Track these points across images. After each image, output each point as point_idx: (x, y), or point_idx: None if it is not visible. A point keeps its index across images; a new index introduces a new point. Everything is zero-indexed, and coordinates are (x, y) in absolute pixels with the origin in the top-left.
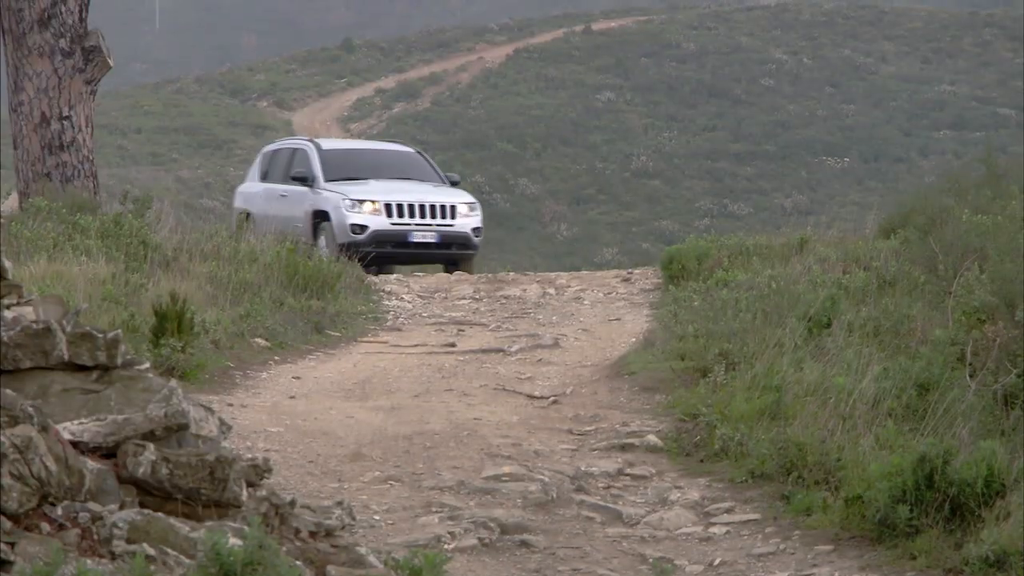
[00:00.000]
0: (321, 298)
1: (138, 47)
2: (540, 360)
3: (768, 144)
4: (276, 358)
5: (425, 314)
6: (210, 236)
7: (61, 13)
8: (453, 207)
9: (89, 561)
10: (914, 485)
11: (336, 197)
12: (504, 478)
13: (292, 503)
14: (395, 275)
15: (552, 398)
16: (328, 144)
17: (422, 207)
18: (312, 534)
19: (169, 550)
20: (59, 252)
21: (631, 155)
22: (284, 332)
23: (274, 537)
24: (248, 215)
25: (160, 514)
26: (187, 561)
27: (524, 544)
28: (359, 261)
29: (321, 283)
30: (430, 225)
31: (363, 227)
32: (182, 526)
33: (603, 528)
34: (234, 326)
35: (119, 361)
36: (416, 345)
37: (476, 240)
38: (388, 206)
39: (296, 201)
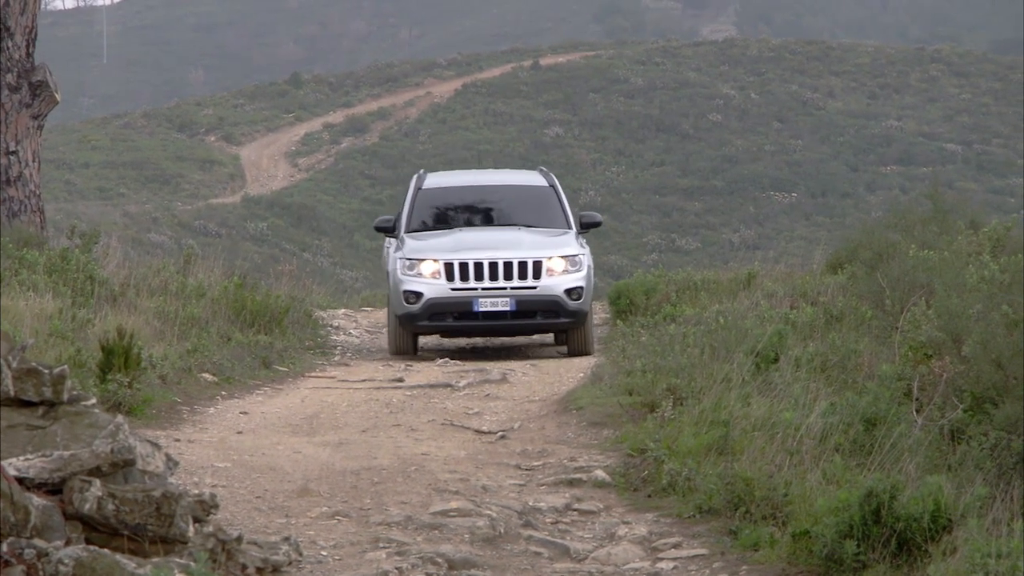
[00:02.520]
0: (269, 333)
1: (86, 82)
2: (488, 395)
3: (716, 179)
4: (223, 393)
5: (373, 349)
6: (158, 271)
7: (7, 48)
8: (538, 263)
9: None
10: (861, 520)
11: (398, 256)
12: (452, 513)
13: (239, 539)
14: (343, 310)
15: (500, 433)
16: (432, 180)
17: (493, 266)
18: (259, 570)
19: None
20: (5, 287)
21: (579, 190)
22: (232, 367)
23: (220, 573)
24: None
25: (106, 550)
26: None
27: None
28: (417, 334)
29: (269, 318)
30: (503, 289)
31: (418, 295)
32: (128, 562)
33: (551, 563)
34: (181, 361)
35: (65, 397)
36: (364, 380)
37: (573, 305)
38: (449, 266)
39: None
